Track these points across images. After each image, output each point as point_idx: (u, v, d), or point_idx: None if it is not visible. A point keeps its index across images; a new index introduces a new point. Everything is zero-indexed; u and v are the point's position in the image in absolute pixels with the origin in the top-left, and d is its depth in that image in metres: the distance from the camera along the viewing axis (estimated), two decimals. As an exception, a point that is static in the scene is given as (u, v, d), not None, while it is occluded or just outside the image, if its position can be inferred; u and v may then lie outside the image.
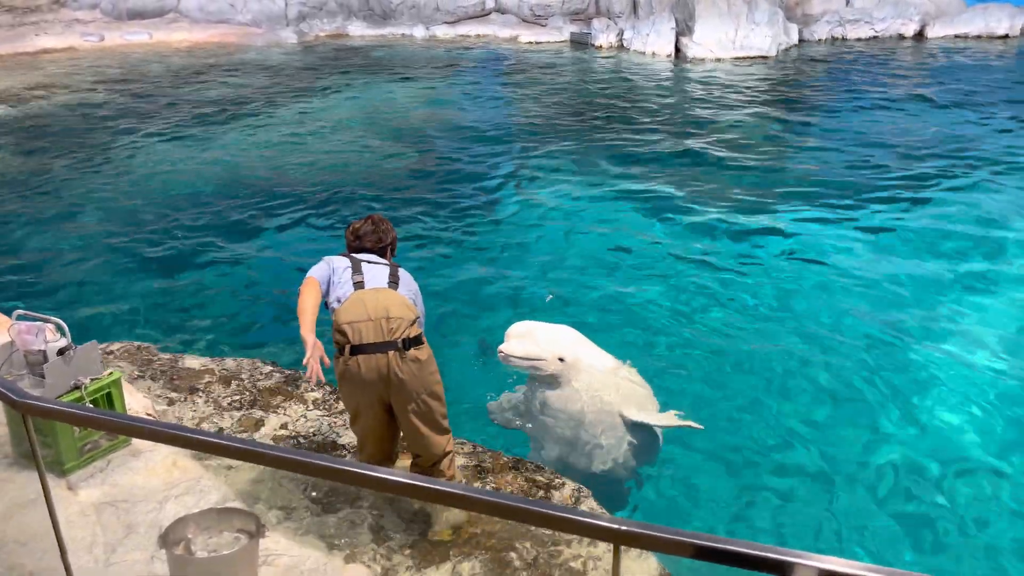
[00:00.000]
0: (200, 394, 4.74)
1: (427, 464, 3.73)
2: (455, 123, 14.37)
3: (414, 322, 3.59)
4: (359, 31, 25.97)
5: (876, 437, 5.16)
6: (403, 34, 25.75)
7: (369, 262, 3.83)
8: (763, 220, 8.94)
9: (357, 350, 3.50)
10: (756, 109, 14.91)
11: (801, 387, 5.68)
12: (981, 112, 14.06)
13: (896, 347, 6.13)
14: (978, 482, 4.70)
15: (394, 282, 3.74)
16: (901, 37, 23.47)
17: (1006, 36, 23.22)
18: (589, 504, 4.01)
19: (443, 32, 25.81)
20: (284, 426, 4.42)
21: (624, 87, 17.29)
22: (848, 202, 9.50)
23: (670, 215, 9.13)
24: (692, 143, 12.43)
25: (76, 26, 23.99)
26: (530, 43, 24.16)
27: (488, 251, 8.25)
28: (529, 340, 4.65)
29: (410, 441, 3.73)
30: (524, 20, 26.03)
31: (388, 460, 3.87)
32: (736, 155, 11.72)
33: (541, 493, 4.00)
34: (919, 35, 23.60)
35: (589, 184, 10.32)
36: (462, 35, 25.65)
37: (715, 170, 10.96)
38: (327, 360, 3.58)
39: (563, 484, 4.08)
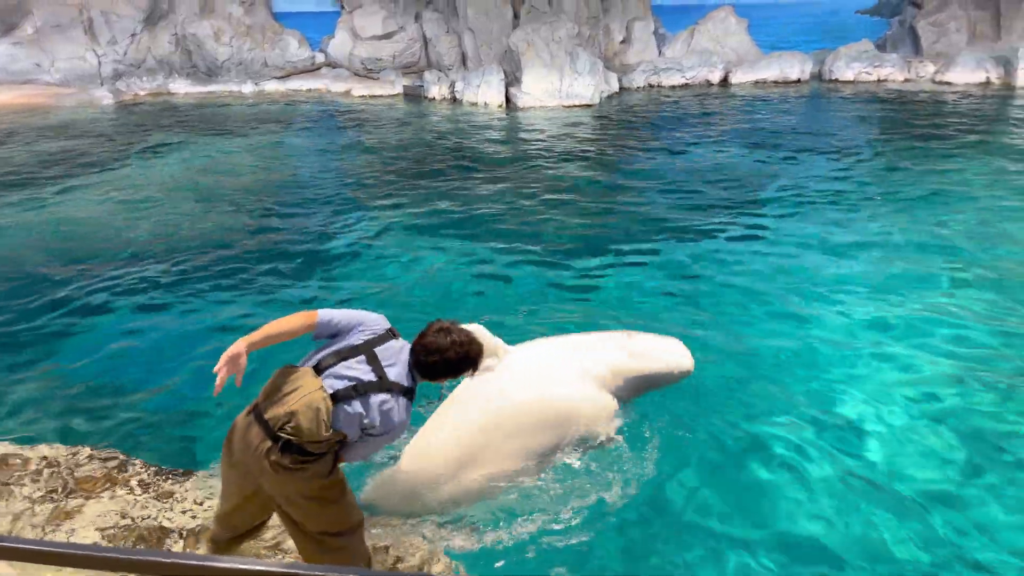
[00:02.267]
0: (9, 485, 4.30)
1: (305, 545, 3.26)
2: (291, 180, 14.10)
3: (317, 442, 2.99)
4: (183, 88, 25.08)
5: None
6: (231, 91, 25.13)
7: (374, 355, 3.05)
8: (592, 260, 9.32)
9: (255, 411, 3.07)
10: (583, 154, 15.66)
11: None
12: (780, 149, 15.46)
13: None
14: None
15: (353, 393, 2.97)
16: (709, 83, 25.52)
17: (799, 80, 25.82)
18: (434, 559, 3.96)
19: (273, 87, 25.41)
20: (105, 515, 4.08)
21: (459, 138, 17.66)
22: (668, 238, 10.11)
23: (508, 258, 9.34)
24: (525, 189, 12.84)
25: None
26: (363, 96, 24.23)
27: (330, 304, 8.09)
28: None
29: (287, 529, 3.35)
30: (356, 74, 26.12)
31: (229, 543, 3.53)
32: (566, 198, 12.21)
33: (390, 555, 3.91)
34: (724, 81, 25.77)
35: (430, 234, 10.40)
36: (293, 90, 25.35)
37: (548, 214, 11.36)
38: (238, 380, 3.11)
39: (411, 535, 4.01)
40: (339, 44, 26.42)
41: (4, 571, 3.50)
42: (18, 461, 4.58)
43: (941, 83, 24.25)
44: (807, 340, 6.93)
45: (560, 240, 10.06)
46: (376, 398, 2.99)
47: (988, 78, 23.91)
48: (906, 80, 25.08)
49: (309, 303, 8.21)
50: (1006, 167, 13.30)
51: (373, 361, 3.05)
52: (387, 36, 25.95)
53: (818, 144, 15.83)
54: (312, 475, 3.05)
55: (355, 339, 3.08)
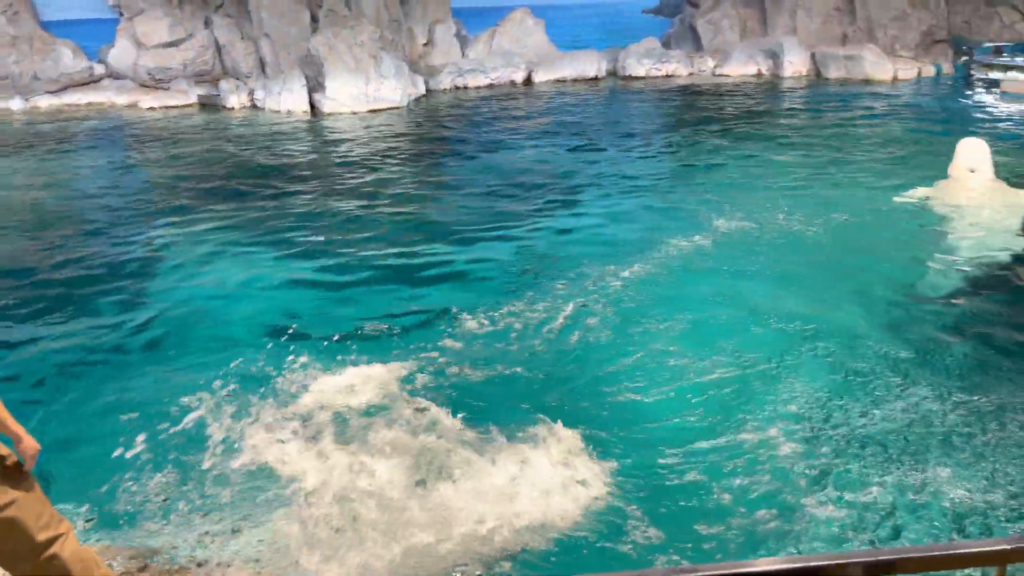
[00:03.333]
0: None
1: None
2: (77, 203, 12.86)
3: None
4: (-64, 107, 22.21)
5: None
6: (-5, 107, 22.55)
7: None
8: (419, 260, 9.24)
9: None
10: (396, 157, 15.52)
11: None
12: (586, 142, 16.14)
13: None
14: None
15: None
16: (513, 83, 26.16)
17: (596, 77, 27.07)
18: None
19: (47, 103, 23.13)
20: None
21: (265, 147, 16.92)
22: (492, 231, 10.23)
23: (323, 267, 9.05)
24: (338, 196, 12.51)
25: None
26: (153, 108, 22.62)
27: (131, 326, 7.43)
28: None
29: None
30: (143, 85, 24.30)
31: None
32: (381, 202, 12.03)
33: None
34: (528, 80, 26.52)
35: (240, 249, 9.84)
36: (70, 104, 23.21)
37: (364, 219, 11.13)
38: None
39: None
40: (120, 53, 24.44)
41: None
42: None
43: (720, 76, 26.34)
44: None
45: (378, 244, 9.88)
46: None
47: (759, 70, 26.26)
48: (690, 74, 27.01)
49: (107, 329, 7.50)
50: (773, 146, 14.66)
51: None
52: (175, 43, 24.31)
53: (618, 135, 16.68)
54: None
55: None
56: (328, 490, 4.65)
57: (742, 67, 26.41)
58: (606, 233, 10.01)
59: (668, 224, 10.07)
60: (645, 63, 27.26)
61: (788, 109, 19.63)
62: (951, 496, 4.57)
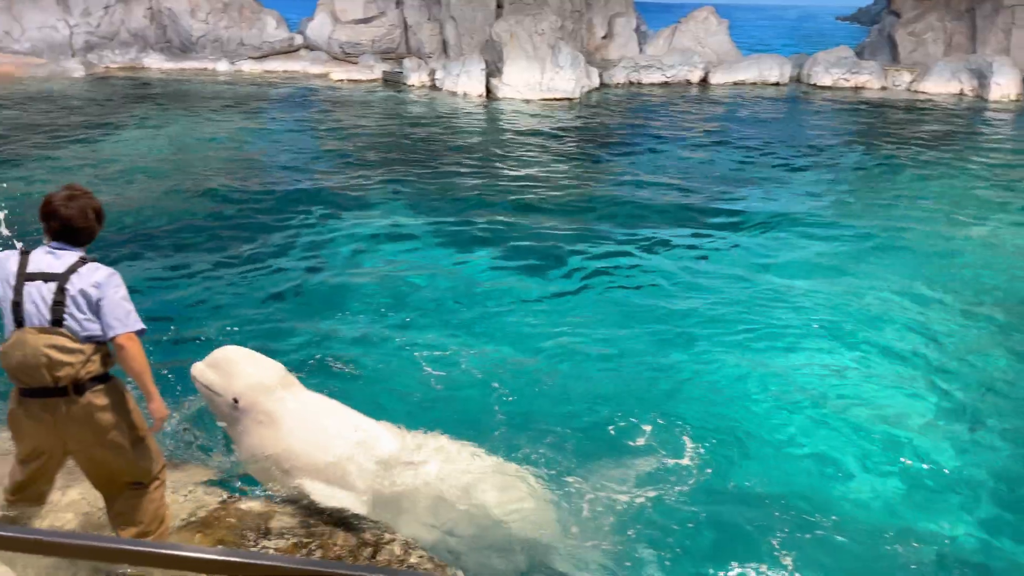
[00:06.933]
0: None
1: (116, 494, 3.41)
2: (264, 161, 13.87)
3: (89, 360, 3.13)
4: (156, 64, 24.57)
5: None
6: (205, 68, 24.66)
7: (34, 274, 3.10)
8: (577, 249, 9.26)
9: (26, 392, 3.17)
10: (564, 146, 15.62)
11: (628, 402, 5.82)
12: (758, 154, 15.52)
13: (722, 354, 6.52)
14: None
15: (59, 303, 3.07)
16: (688, 83, 25.58)
17: (777, 83, 25.96)
18: (418, 555, 3.89)
19: (249, 68, 24.98)
20: (78, 503, 3.94)
21: (439, 126, 17.51)
22: (657, 227, 10.10)
23: (487, 248, 9.26)
24: (505, 180, 12.76)
25: None
26: (341, 80, 23.91)
27: (293, 284, 7.94)
28: (219, 369, 4.15)
29: (92, 481, 3.47)
30: (335, 57, 25.76)
31: (39, 501, 3.61)
32: (548, 190, 12.15)
33: (369, 550, 3.83)
34: (704, 81, 25.85)
35: (405, 220, 10.27)
36: (269, 71, 24.93)
37: (529, 204, 11.30)
38: None
39: (392, 540, 3.93)
40: (318, 26, 26.02)
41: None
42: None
43: (916, 92, 24.54)
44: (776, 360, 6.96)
45: (534, 234, 9.96)
46: (74, 289, 3.11)
47: (962, 90, 24.24)
48: (882, 88, 25.33)
49: (267, 281, 8.04)
50: (975, 183, 13.47)
51: (38, 277, 3.12)
52: (367, 20, 25.60)
53: (795, 150, 15.90)
54: (109, 408, 3.21)
55: (7, 291, 3.14)
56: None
57: (942, 85, 24.46)
58: (761, 258, 9.53)
59: (840, 257, 9.53)
60: (833, 72, 25.82)
61: (993, 137, 17.99)
62: None
